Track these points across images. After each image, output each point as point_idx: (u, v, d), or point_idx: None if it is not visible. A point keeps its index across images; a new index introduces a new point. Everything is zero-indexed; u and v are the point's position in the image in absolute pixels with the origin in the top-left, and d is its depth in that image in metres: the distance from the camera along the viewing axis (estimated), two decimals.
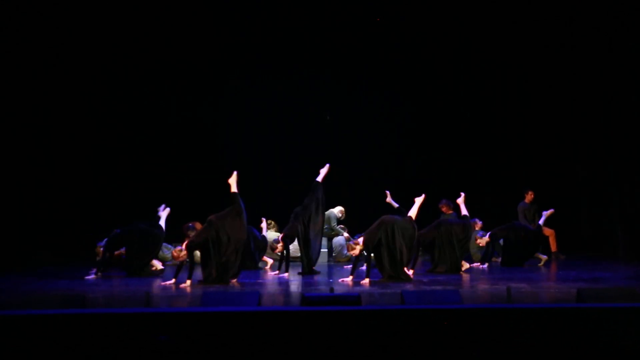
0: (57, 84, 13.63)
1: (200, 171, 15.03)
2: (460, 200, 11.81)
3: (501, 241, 12.36)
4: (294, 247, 13.35)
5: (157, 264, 12.45)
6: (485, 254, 12.23)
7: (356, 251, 10.21)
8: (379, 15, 14.81)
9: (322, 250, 13.28)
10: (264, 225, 13.18)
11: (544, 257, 12.27)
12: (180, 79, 15.10)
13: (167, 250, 13.18)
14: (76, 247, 13.68)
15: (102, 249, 11.84)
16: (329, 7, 14.71)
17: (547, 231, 13.48)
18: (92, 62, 14.23)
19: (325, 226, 13.41)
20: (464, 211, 11.76)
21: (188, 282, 9.82)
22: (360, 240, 10.26)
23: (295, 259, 13.25)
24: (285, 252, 11.27)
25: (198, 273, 11.20)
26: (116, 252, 12.58)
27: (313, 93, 15.38)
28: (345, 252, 13.21)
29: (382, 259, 10.10)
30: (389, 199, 11.55)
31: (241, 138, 15.32)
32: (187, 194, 14.75)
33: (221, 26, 14.87)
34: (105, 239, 12.03)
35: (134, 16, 14.18)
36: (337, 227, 13.48)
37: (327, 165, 11.65)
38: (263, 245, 12.62)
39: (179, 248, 10.39)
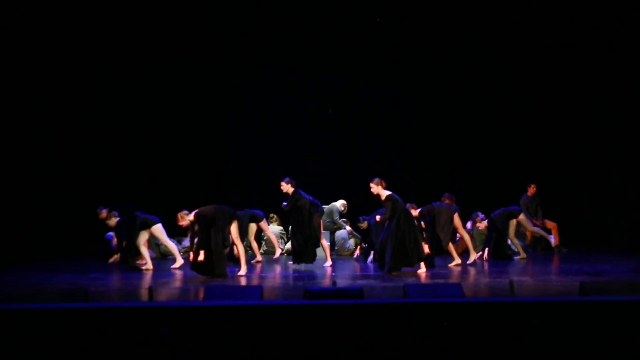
0: (58, 83, 13.63)
1: (202, 168, 15.02)
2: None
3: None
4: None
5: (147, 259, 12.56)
6: (487, 240, 12.28)
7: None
8: (382, 11, 14.77)
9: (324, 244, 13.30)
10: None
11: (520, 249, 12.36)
12: (181, 76, 15.02)
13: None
14: (78, 241, 13.70)
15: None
16: (331, 2, 14.67)
17: (550, 224, 13.48)
18: (93, 60, 14.18)
19: (328, 219, 13.42)
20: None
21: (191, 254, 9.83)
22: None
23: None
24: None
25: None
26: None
27: (315, 88, 15.32)
28: (348, 245, 13.23)
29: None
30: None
31: (243, 133, 15.27)
32: (188, 190, 14.75)
33: (222, 23, 14.81)
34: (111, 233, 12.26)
35: (134, 14, 14.15)
36: (340, 220, 13.47)
37: None
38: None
39: (185, 212, 10.34)
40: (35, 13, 12.79)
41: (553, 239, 13.17)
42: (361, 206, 13.83)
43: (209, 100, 15.28)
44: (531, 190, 13.55)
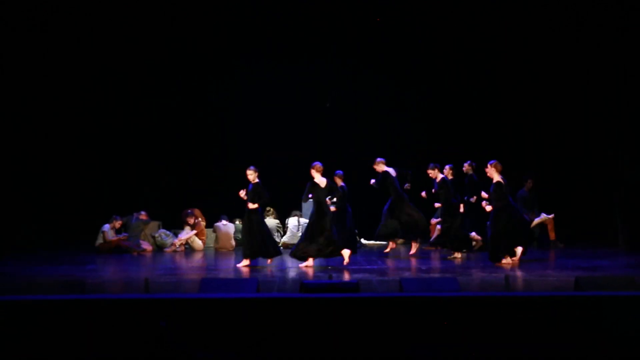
0: (59, 77, 13.61)
1: (202, 158, 15.01)
2: None
3: None
4: (292, 233, 13.37)
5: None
6: None
7: None
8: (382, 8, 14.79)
9: None
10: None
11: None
12: (184, 67, 14.91)
13: (166, 237, 13.21)
14: (75, 233, 13.70)
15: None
16: None
17: (546, 219, 13.50)
18: (92, 54, 14.11)
19: None
20: None
21: None
22: None
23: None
24: None
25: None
26: (116, 238, 12.66)
27: (314, 80, 15.26)
28: None
29: None
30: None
31: (242, 125, 15.20)
32: (188, 181, 14.76)
33: (221, 15, 14.74)
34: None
35: (132, 11, 14.12)
36: None
37: None
38: None
39: None
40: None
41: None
42: (361, 198, 13.85)
43: (210, 91, 15.20)
44: (528, 185, 13.57)
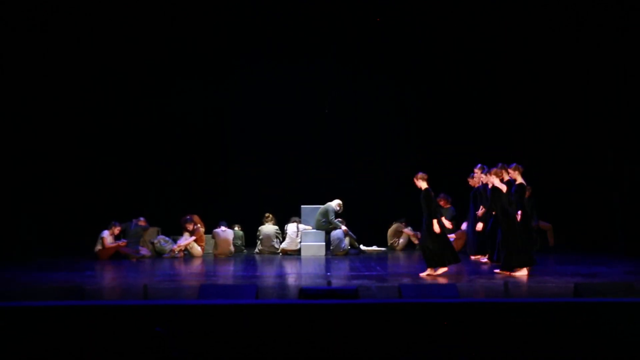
0: (59, 81, 13.59)
1: (201, 164, 14.98)
2: None
3: None
4: (291, 239, 13.36)
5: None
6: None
7: None
8: (382, 8, 14.77)
9: (319, 243, 13.27)
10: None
11: None
12: (184, 68, 14.90)
13: (165, 243, 13.18)
14: (75, 238, 13.67)
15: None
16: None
17: (545, 226, 13.49)
18: (93, 58, 14.10)
19: (323, 219, 13.40)
20: None
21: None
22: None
23: (293, 252, 13.26)
24: None
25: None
26: (115, 244, 12.65)
27: (315, 81, 15.23)
28: (343, 245, 13.13)
29: None
30: None
31: (242, 129, 15.19)
32: (187, 187, 14.74)
33: (224, 13, 14.74)
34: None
35: (134, 16, 14.11)
36: (335, 220, 13.43)
37: None
38: None
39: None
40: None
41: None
42: (358, 204, 13.83)
43: (206, 96, 15.15)
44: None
